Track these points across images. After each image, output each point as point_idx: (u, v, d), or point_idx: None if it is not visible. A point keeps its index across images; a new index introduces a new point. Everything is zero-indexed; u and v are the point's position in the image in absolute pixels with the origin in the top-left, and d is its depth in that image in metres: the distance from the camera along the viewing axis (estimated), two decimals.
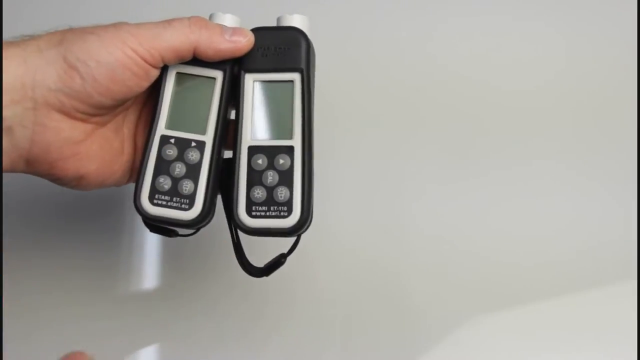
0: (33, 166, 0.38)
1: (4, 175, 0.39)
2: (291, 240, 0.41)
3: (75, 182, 0.40)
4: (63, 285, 0.54)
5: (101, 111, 0.39)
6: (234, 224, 0.40)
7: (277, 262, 0.41)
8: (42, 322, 0.53)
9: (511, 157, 0.57)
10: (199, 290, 0.54)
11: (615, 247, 0.54)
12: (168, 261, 0.55)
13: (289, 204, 0.39)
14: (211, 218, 0.41)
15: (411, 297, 0.53)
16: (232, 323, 0.53)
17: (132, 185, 0.42)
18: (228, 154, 0.42)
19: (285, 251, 0.42)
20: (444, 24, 0.61)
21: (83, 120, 0.39)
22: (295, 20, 0.41)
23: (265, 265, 0.42)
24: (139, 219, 0.42)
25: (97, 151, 0.40)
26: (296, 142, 0.39)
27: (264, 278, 0.52)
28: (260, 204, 0.39)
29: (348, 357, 0.52)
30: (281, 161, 0.39)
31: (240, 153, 0.40)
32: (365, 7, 0.61)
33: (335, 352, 0.52)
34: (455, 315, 0.53)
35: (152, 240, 0.55)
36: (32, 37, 0.37)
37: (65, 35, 0.37)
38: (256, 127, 0.40)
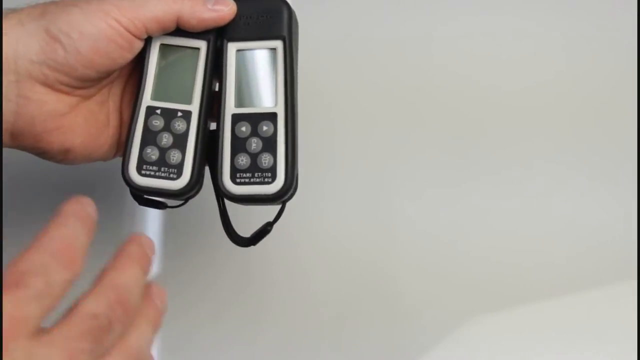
0: (18, 140, 0.38)
1: None
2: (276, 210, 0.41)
3: (61, 156, 0.40)
4: None
5: (85, 84, 0.39)
6: (219, 192, 0.40)
7: (264, 231, 0.41)
8: None
9: (511, 157, 0.57)
10: (196, 281, 0.54)
11: (615, 247, 0.53)
12: (164, 242, 0.55)
13: (272, 170, 0.38)
14: (199, 188, 0.41)
15: (409, 298, 0.53)
16: (223, 319, 0.53)
17: None
18: (214, 127, 0.42)
19: (271, 220, 0.42)
20: (443, 24, 0.61)
21: (67, 93, 0.39)
22: None
23: (251, 235, 0.42)
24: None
25: (82, 124, 0.40)
26: (279, 108, 0.39)
27: (257, 278, 0.52)
28: (245, 171, 0.39)
29: (344, 357, 0.52)
30: (264, 128, 0.39)
31: (224, 121, 0.40)
32: (364, 7, 0.62)
33: (331, 352, 0.52)
34: (454, 316, 0.52)
35: (151, 222, 0.56)
36: (13, 11, 0.38)
37: (47, 8, 0.38)
38: (239, 95, 0.40)
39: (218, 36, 0.41)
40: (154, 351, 0.52)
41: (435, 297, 0.52)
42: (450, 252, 0.54)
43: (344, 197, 0.55)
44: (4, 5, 0.38)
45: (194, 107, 0.40)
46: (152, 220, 0.56)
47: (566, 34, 0.60)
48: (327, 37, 0.59)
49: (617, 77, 0.58)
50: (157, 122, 0.40)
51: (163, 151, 0.39)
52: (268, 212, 0.42)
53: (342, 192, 0.56)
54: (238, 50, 0.41)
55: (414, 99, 0.58)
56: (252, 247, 0.42)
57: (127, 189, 0.41)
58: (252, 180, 0.39)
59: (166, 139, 0.40)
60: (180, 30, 0.40)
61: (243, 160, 0.39)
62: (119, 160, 0.41)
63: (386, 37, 0.60)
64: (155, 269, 0.53)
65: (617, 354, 0.50)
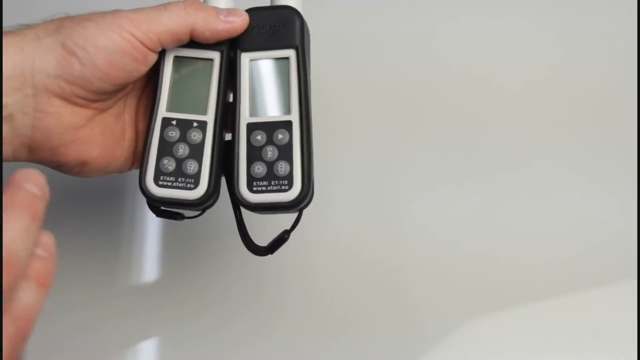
0: (35, 153, 0.39)
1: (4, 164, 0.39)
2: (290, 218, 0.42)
3: (78, 169, 0.40)
4: (61, 277, 0.54)
5: (101, 97, 0.39)
6: (236, 201, 0.40)
7: (281, 239, 0.41)
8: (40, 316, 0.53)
9: (513, 157, 0.57)
10: (202, 284, 0.54)
11: (615, 247, 0.54)
12: (170, 250, 0.55)
13: (289, 177, 0.39)
14: (216, 198, 0.41)
15: (414, 297, 0.53)
16: (229, 318, 0.53)
17: (132, 175, 0.42)
18: (229, 137, 0.42)
19: (288, 228, 0.42)
20: (445, 24, 0.62)
21: (83, 106, 0.39)
22: None
23: (268, 244, 0.42)
24: (139, 206, 0.42)
25: (99, 136, 0.40)
26: (294, 116, 0.40)
27: (262, 274, 0.52)
28: (261, 179, 0.39)
29: (345, 356, 0.52)
30: (280, 136, 0.39)
31: (239, 130, 0.40)
32: (366, 6, 0.62)
33: (337, 351, 0.52)
34: (455, 315, 0.52)
35: (152, 229, 0.56)
36: (29, 26, 0.38)
37: (63, 23, 0.38)
38: (254, 104, 0.41)
39: (231, 47, 0.41)
40: (162, 355, 0.52)
41: (439, 296, 0.53)
42: (454, 251, 0.54)
43: (348, 197, 0.56)
44: (20, 21, 0.39)
45: (209, 118, 0.40)
46: (152, 225, 0.56)
47: (568, 35, 0.61)
48: (330, 36, 0.59)
49: (618, 77, 0.59)
50: (173, 133, 0.40)
51: (180, 162, 0.40)
52: (281, 220, 0.42)
53: (345, 192, 0.56)
54: (251, 60, 0.41)
55: (417, 98, 0.59)
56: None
57: (128, 194, 0.41)
58: (268, 188, 0.39)
59: (182, 150, 0.40)
60: (193, 42, 0.40)
61: (259, 168, 0.39)
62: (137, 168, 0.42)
63: (389, 37, 0.61)
64: (163, 275, 0.54)
65: (617, 354, 0.51)
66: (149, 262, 0.55)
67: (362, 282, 0.53)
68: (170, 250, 0.55)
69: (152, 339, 0.53)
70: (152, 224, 0.56)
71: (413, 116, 0.59)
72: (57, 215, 0.54)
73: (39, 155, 0.39)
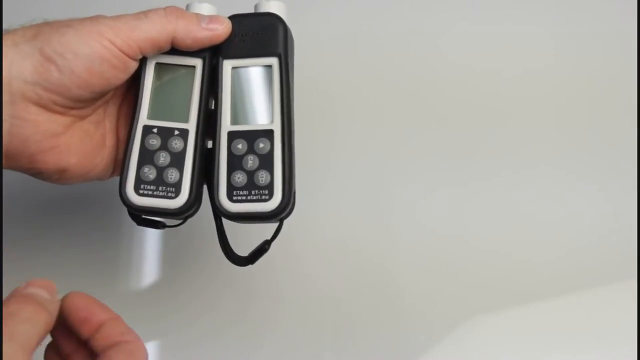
0: (13, 160, 0.38)
1: None
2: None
3: (57, 176, 0.40)
4: (61, 281, 0.54)
5: (80, 104, 0.39)
6: (216, 210, 0.39)
7: (261, 249, 0.41)
8: None
9: (515, 159, 0.57)
10: (197, 289, 0.54)
11: (616, 247, 0.54)
12: (166, 257, 0.55)
13: (269, 187, 0.38)
14: (198, 207, 0.40)
15: (411, 298, 0.53)
16: (221, 319, 0.53)
17: None
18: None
19: (269, 238, 0.41)
20: (449, 25, 0.62)
21: (62, 113, 0.38)
22: (273, 7, 0.41)
23: (249, 254, 0.41)
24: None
25: (77, 144, 0.40)
26: (276, 125, 0.39)
27: (259, 277, 0.51)
28: (241, 189, 0.38)
29: (341, 357, 0.52)
30: (261, 145, 0.39)
31: (220, 139, 0.40)
32: (370, 5, 0.62)
33: (328, 354, 0.52)
34: (453, 315, 0.52)
35: (150, 236, 0.56)
36: (6, 32, 0.38)
37: (41, 29, 0.38)
38: (235, 113, 0.40)
39: (214, 54, 0.41)
40: None
41: (437, 298, 0.53)
42: (453, 252, 0.54)
43: (346, 197, 0.56)
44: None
45: (191, 126, 0.40)
46: (151, 235, 0.56)
47: (566, 36, 0.61)
48: (332, 35, 0.60)
49: (621, 79, 0.59)
50: (154, 141, 0.40)
51: (160, 170, 0.39)
52: (266, 230, 0.42)
53: (344, 191, 0.56)
54: (234, 68, 0.40)
55: (417, 99, 0.59)
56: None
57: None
58: (248, 197, 0.38)
59: (163, 158, 0.39)
60: (175, 49, 0.40)
61: (239, 177, 0.39)
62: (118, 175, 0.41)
63: (392, 36, 0.61)
64: (161, 282, 0.54)
65: (617, 353, 0.51)
66: (147, 268, 0.55)
67: (359, 283, 0.53)
68: (168, 257, 0.55)
69: (150, 344, 0.53)
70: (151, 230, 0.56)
71: (413, 116, 0.59)
72: (55, 219, 0.55)
73: (17, 162, 0.38)
